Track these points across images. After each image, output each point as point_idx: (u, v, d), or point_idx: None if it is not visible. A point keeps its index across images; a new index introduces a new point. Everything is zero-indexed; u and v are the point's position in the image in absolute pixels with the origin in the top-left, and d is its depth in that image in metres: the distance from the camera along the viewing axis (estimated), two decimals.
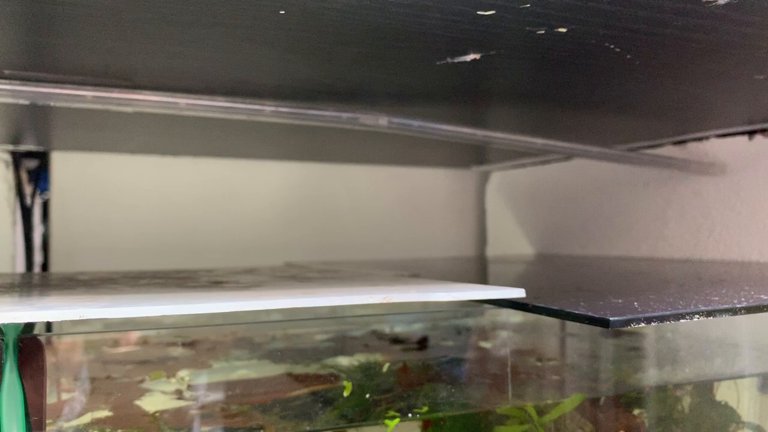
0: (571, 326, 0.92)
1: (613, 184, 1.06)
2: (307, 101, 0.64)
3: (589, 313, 0.41)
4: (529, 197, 1.28)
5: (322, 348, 0.81)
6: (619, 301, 0.46)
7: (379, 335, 0.86)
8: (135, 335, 0.82)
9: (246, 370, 0.69)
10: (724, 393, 0.70)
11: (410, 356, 0.73)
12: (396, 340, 0.83)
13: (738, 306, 0.43)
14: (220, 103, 0.61)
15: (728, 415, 0.67)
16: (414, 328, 0.89)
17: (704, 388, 0.68)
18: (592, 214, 1.10)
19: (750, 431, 0.68)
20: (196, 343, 0.79)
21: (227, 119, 0.64)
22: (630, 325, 0.39)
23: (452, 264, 1.05)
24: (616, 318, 0.39)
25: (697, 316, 0.41)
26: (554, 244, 1.20)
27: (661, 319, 0.40)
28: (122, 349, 0.76)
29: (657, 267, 0.83)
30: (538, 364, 0.68)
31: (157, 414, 0.49)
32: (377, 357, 0.74)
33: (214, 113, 0.62)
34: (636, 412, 0.61)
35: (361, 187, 1.28)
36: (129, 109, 0.60)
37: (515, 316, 1.03)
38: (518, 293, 0.44)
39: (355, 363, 0.70)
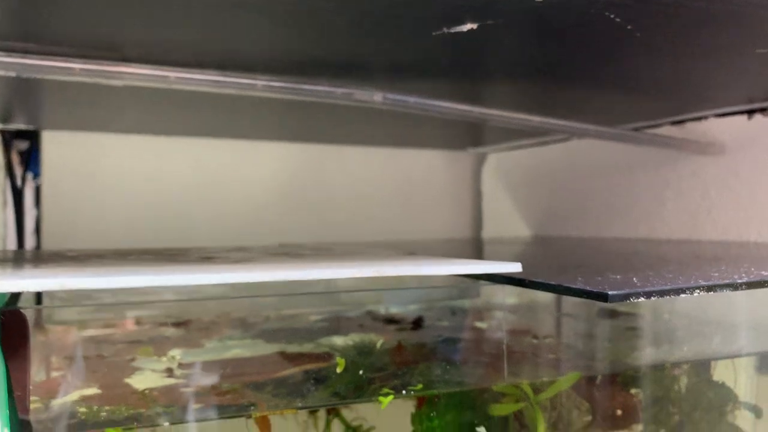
0: (567, 306, 0.92)
1: (611, 165, 1.05)
2: (301, 76, 0.63)
3: (588, 288, 0.40)
4: (525, 179, 1.27)
5: (316, 328, 0.80)
6: (618, 277, 0.45)
7: (373, 316, 0.86)
8: (131, 321, 0.81)
9: (239, 349, 0.69)
10: (721, 373, 0.70)
11: (405, 336, 0.72)
12: (391, 320, 0.83)
13: (739, 281, 0.43)
14: (211, 76, 0.60)
15: (725, 394, 0.67)
16: (409, 309, 0.89)
17: (701, 368, 0.68)
18: (589, 195, 1.10)
19: (747, 411, 0.68)
20: (189, 323, 0.78)
21: (219, 94, 0.63)
22: (629, 300, 0.38)
23: (448, 245, 1.04)
24: (615, 292, 0.38)
25: (698, 290, 0.40)
26: (551, 226, 1.20)
27: (661, 293, 0.39)
28: (114, 329, 0.75)
29: (655, 247, 0.82)
30: (534, 342, 0.68)
31: (147, 391, 0.48)
32: (372, 337, 0.73)
33: (204, 87, 0.60)
34: (633, 391, 0.60)
35: (356, 169, 1.27)
36: (118, 83, 0.58)
37: (511, 297, 1.02)
38: (515, 267, 0.43)
39: (350, 342, 0.69)
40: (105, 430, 0.40)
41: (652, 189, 0.97)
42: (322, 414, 0.61)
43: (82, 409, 0.44)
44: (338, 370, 0.51)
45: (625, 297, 0.38)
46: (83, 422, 0.42)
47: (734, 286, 0.42)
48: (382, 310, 0.89)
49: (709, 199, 0.88)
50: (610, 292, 0.38)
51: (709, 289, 0.41)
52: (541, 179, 1.22)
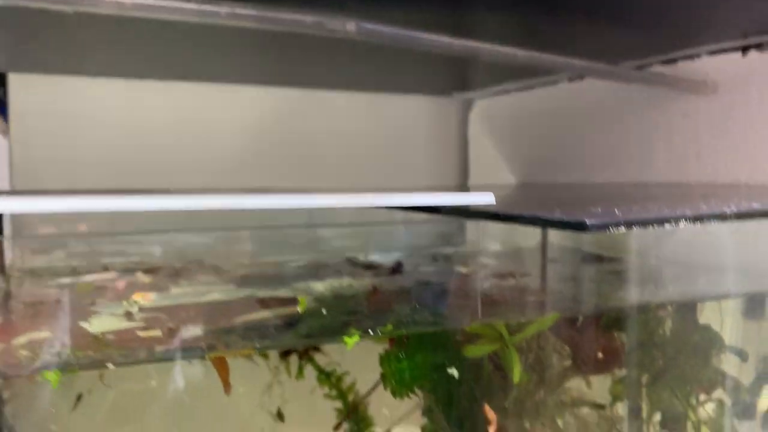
0: (553, 252, 0.90)
1: (598, 109, 1.02)
2: (269, 3, 0.59)
3: (564, 218, 0.37)
4: (512, 126, 1.23)
5: (292, 274, 0.78)
6: (599, 209, 0.42)
7: (352, 262, 0.83)
8: (98, 268, 0.79)
9: (209, 294, 0.66)
10: (707, 317, 0.68)
11: (382, 281, 0.70)
12: (370, 266, 0.80)
13: (728, 212, 0.40)
14: (170, 2, 0.56)
15: (711, 338, 0.65)
16: (389, 257, 0.86)
17: (687, 311, 0.66)
18: (576, 141, 1.06)
19: (733, 355, 0.66)
20: (159, 269, 0.76)
21: (181, 23, 0.59)
22: (609, 229, 0.35)
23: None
24: (593, 221, 0.35)
25: (683, 220, 0.38)
26: (537, 173, 1.17)
27: (643, 223, 0.37)
28: (81, 276, 0.72)
29: (643, 188, 0.80)
30: (515, 285, 0.65)
31: (100, 334, 0.46)
32: (349, 281, 0.71)
33: (163, 14, 0.56)
34: (615, 333, 0.58)
35: (338, 115, 1.23)
36: (67, 8, 0.54)
37: (495, 244, 1.00)
38: (487, 198, 0.40)
39: (325, 287, 0.67)
40: (42, 374, 0.37)
41: (640, 132, 0.94)
42: (295, 360, 0.59)
43: (24, 353, 0.41)
44: (299, 309, 0.49)
45: (604, 226, 0.35)
46: (21, 365, 0.39)
47: (722, 217, 0.39)
48: (361, 257, 0.87)
49: (699, 141, 0.85)
50: (588, 221, 0.35)
51: (696, 219, 0.38)
52: (528, 126, 1.18)
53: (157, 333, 0.46)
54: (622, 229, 0.36)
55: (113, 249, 0.85)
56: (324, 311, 0.52)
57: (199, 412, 0.55)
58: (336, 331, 0.47)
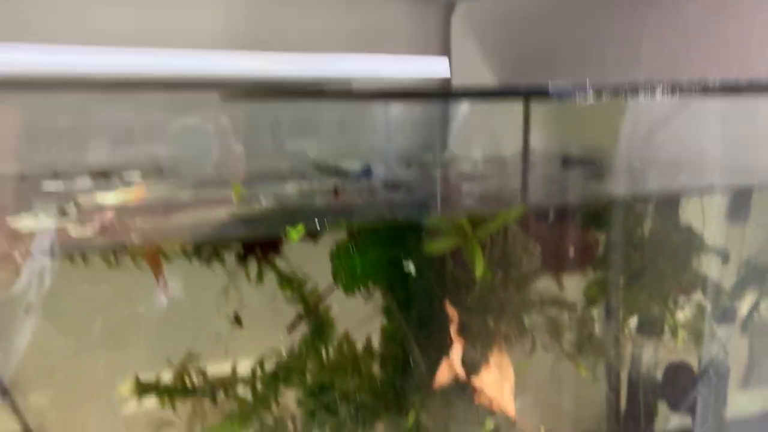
0: (534, 158, 0.86)
1: (584, 5, 0.96)
2: None
3: (527, 88, 0.33)
4: (495, 29, 1.17)
5: (256, 178, 0.74)
6: (568, 83, 0.38)
7: (320, 167, 0.80)
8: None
9: (161, 194, 0.62)
10: (690, 217, 0.65)
11: (348, 184, 0.66)
12: (338, 171, 0.77)
13: (711, 85, 0.36)
14: None
15: (691, 239, 0.62)
16: (360, 163, 0.83)
17: (667, 210, 0.62)
18: (561, 41, 1.01)
19: (715, 255, 0.63)
20: (111, 173, 0.72)
21: None
22: (574, 96, 0.31)
23: None
24: (557, 88, 0.31)
25: (660, 90, 0.33)
26: (522, 75, 1.11)
27: (615, 92, 0.33)
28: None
29: None
30: (485, 185, 0.62)
31: (24, 230, 0.42)
32: (314, 185, 0.68)
33: None
34: (591, 231, 0.55)
35: (313, 20, 1.15)
36: None
37: (476, 151, 0.96)
38: (441, 65, 0.35)
39: (291, 190, 0.63)
40: None
41: (628, 29, 0.88)
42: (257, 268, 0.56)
43: None
44: (234, 200, 0.45)
45: (569, 93, 0.31)
46: None
47: (705, 89, 0.35)
48: (332, 163, 0.83)
49: (689, 35, 0.79)
50: (551, 88, 0.31)
51: (674, 88, 0.34)
52: (511, 27, 1.12)
53: (86, 230, 0.42)
54: (590, 95, 0.32)
55: (71, 157, 0.81)
56: (269, 207, 0.49)
57: (151, 318, 0.52)
58: (283, 226, 0.44)
